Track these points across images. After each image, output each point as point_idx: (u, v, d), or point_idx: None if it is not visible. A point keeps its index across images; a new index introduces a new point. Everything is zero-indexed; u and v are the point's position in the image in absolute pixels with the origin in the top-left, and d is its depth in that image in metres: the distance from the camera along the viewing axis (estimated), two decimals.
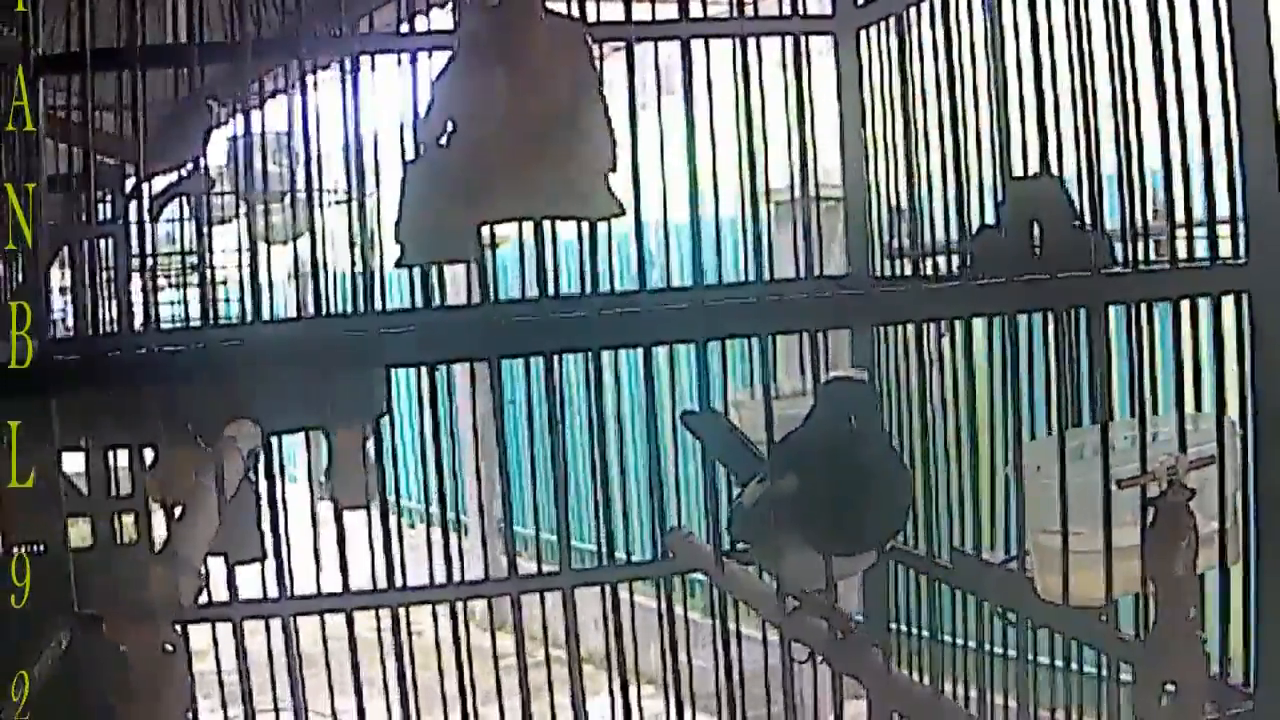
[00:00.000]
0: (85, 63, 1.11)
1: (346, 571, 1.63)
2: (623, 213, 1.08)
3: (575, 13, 1.14)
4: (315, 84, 2.07)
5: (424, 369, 1.32)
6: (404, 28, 2.06)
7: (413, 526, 4.98)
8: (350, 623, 1.41)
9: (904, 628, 1.92)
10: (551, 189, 1.09)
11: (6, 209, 1.59)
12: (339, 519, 1.36)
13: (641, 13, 1.96)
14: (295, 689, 1.25)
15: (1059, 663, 1.61)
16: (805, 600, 1.42)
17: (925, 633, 1.79)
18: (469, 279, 1.63)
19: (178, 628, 1.04)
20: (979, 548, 1.67)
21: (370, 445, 1.93)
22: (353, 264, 1.53)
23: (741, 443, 1.65)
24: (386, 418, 1.87)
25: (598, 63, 1.10)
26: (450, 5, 2.16)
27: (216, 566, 1.65)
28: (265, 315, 2.27)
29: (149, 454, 1.48)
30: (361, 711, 1.24)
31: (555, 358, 1.14)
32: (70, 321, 2.42)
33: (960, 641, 1.73)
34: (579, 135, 1.08)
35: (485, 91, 1.12)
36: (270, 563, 1.76)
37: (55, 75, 1.75)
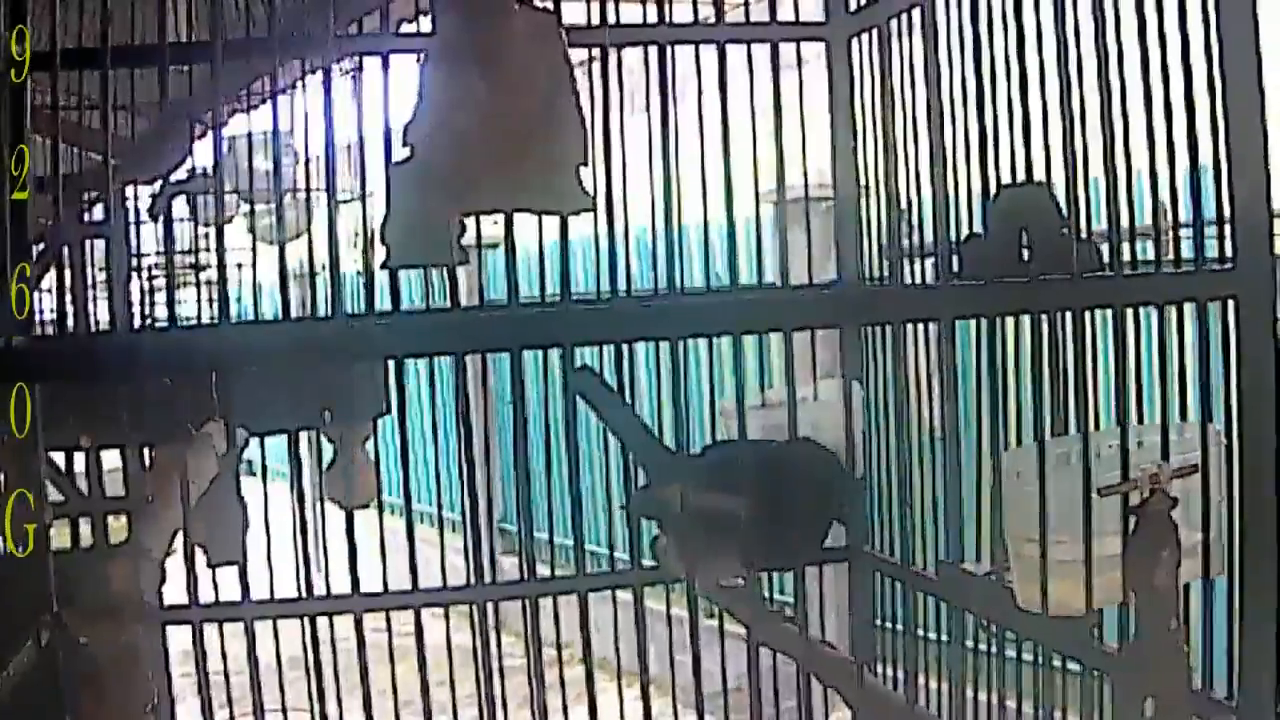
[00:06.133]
0: (54, 60, 1.10)
1: (309, 575, 1.62)
2: (593, 207, 1.07)
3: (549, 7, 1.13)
4: (304, 87, 2.07)
5: (395, 367, 1.31)
6: (404, 28, 2.06)
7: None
8: (312, 626, 1.40)
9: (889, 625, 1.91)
10: (522, 183, 1.08)
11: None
12: (302, 521, 1.34)
13: (633, 16, 1.96)
14: (254, 691, 1.24)
15: (1041, 660, 1.59)
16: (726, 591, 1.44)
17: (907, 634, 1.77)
18: (452, 280, 1.62)
19: (140, 625, 1.04)
20: (962, 558, 1.65)
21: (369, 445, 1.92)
22: (330, 265, 1.53)
23: (636, 419, 1.63)
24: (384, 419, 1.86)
25: (571, 56, 1.09)
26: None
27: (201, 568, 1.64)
28: (257, 315, 2.27)
29: (147, 454, 1.48)
30: (324, 715, 1.22)
31: (541, 357, 1.14)
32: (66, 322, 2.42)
33: (944, 639, 1.70)
34: (550, 128, 1.07)
35: (460, 87, 1.11)
36: (259, 565, 1.75)
37: (43, 74, 1.75)
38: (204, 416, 1.42)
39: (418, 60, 1.86)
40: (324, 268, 2.34)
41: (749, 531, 1.32)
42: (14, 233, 1.19)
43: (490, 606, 1.72)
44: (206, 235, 2.63)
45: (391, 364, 1.26)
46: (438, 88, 1.13)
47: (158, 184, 2.46)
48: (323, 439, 1.98)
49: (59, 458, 1.80)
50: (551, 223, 1.13)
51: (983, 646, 1.66)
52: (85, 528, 1.90)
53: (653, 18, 2.00)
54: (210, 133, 2.44)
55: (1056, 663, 1.55)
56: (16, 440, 1.06)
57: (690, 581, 1.28)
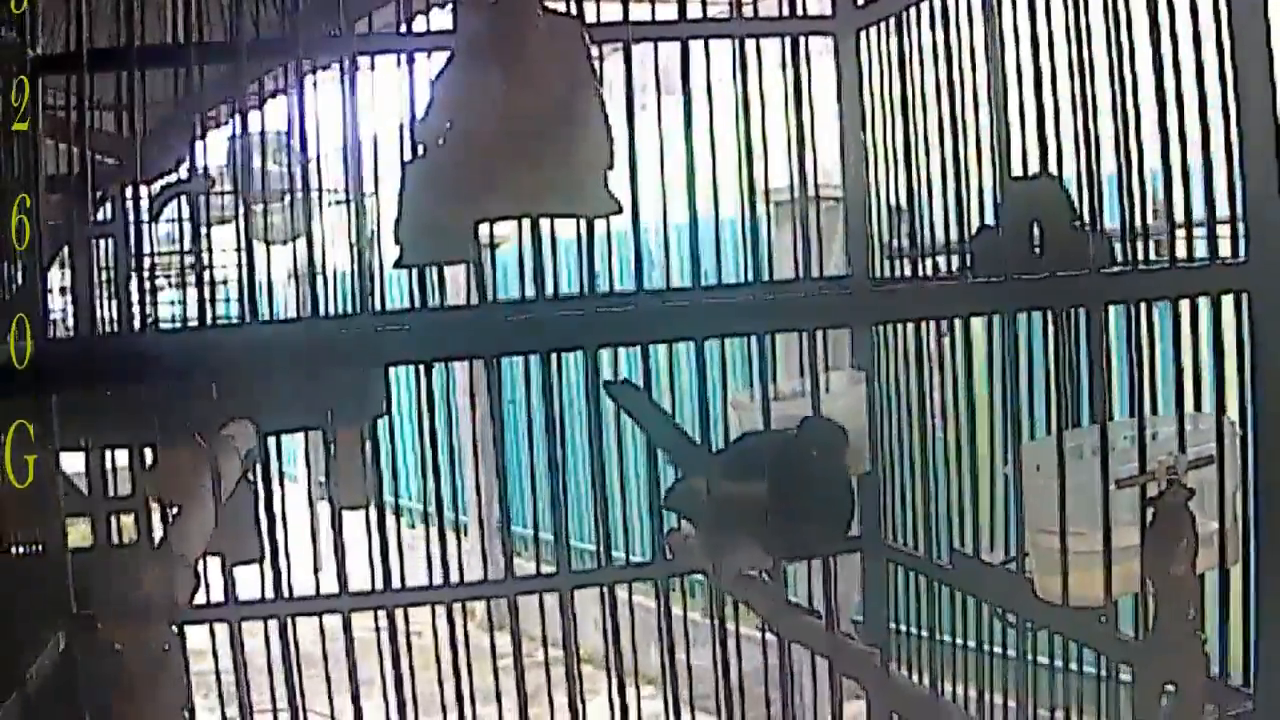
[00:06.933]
0: (81, 62, 1.10)
1: (342, 573, 1.62)
2: (620, 210, 1.08)
3: (573, 11, 1.13)
4: (315, 84, 2.07)
5: (421, 370, 1.31)
6: (404, 28, 2.06)
7: (413, 527, 4.94)
8: (347, 624, 1.41)
9: (903, 628, 1.92)
10: (549, 186, 1.09)
11: (6, 209, 1.58)
12: (335, 520, 1.35)
13: (641, 13, 1.96)
14: (291, 690, 1.24)
15: (1059, 663, 1.60)
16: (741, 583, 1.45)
17: (924, 633, 1.78)
18: (468, 280, 1.62)
19: (174, 628, 1.04)
20: (978, 549, 1.67)
21: (369, 445, 1.93)
22: (352, 265, 1.53)
23: (669, 420, 1.65)
24: (386, 419, 1.86)
25: (595, 60, 1.10)
26: (450, 5, 2.16)
27: (215, 567, 1.65)
28: (264, 315, 2.27)
29: (148, 454, 1.48)
30: (358, 713, 1.23)
31: (553, 357, 1.14)
32: (70, 322, 2.42)
33: (960, 641, 1.72)
34: (576, 132, 1.08)
35: (483, 90, 1.12)
36: (269, 563, 1.75)
37: (54, 75, 1.75)
38: (225, 418, 1.42)
39: (428, 57, 1.87)
40: (321, 268, 2.32)
41: (773, 522, 1.33)
42: (14, 165, 1.17)
43: (510, 603, 1.72)
44: (206, 235, 2.62)
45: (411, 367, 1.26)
46: (458, 88, 1.14)
47: (157, 184, 2.46)
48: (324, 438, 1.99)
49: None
50: (562, 223, 1.14)
51: (996, 647, 1.67)
52: (85, 528, 1.90)
53: (653, 15, 2.00)
54: (209, 132, 2.44)
55: (1073, 665, 1.56)
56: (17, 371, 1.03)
57: (715, 573, 1.30)
